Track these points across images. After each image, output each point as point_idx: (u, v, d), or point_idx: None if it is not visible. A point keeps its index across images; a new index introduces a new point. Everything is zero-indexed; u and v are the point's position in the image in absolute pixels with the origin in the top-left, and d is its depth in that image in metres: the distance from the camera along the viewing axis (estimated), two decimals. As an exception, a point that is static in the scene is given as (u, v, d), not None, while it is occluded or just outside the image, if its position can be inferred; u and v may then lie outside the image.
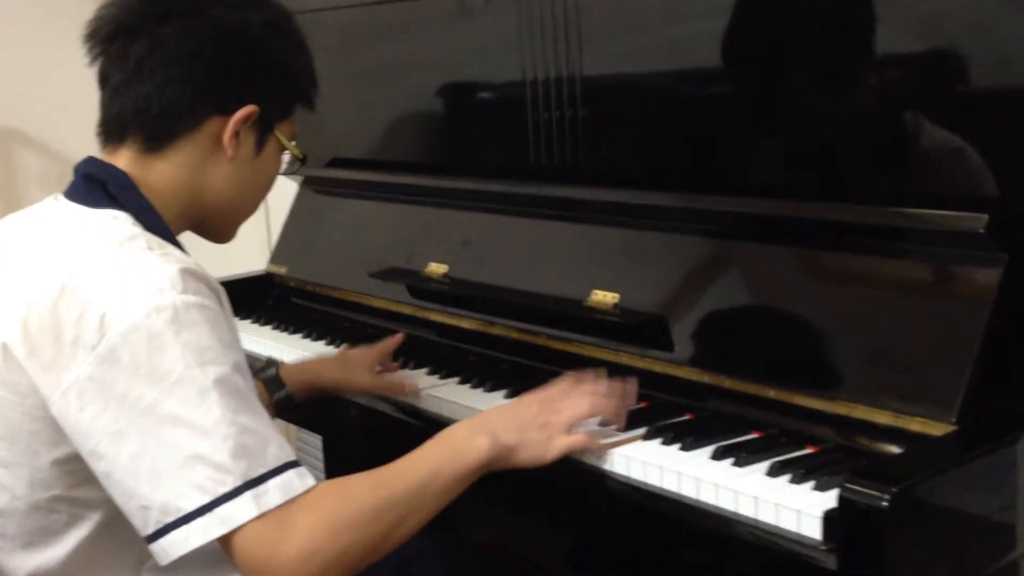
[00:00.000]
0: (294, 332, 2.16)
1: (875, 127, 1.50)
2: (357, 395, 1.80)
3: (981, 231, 1.31)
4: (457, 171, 2.06)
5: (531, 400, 1.43)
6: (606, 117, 1.81)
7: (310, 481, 1.22)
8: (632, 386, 1.52)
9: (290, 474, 1.21)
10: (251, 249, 2.86)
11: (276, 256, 2.40)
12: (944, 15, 1.40)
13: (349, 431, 1.99)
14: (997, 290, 1.30)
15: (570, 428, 1.41)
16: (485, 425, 1.37)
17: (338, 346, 2.03)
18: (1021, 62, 1.34)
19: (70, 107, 3.43)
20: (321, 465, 2.79)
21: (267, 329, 2.20)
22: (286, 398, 1.75)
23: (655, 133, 1.76)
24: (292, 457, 1.23)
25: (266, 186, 1.47)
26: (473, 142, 2.10)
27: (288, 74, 1.42)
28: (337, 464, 2.60)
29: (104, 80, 1.37)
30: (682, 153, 1.72)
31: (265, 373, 1.75)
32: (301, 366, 1.83)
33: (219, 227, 1.46)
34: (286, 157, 1.48)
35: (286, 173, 1.51)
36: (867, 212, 1.44)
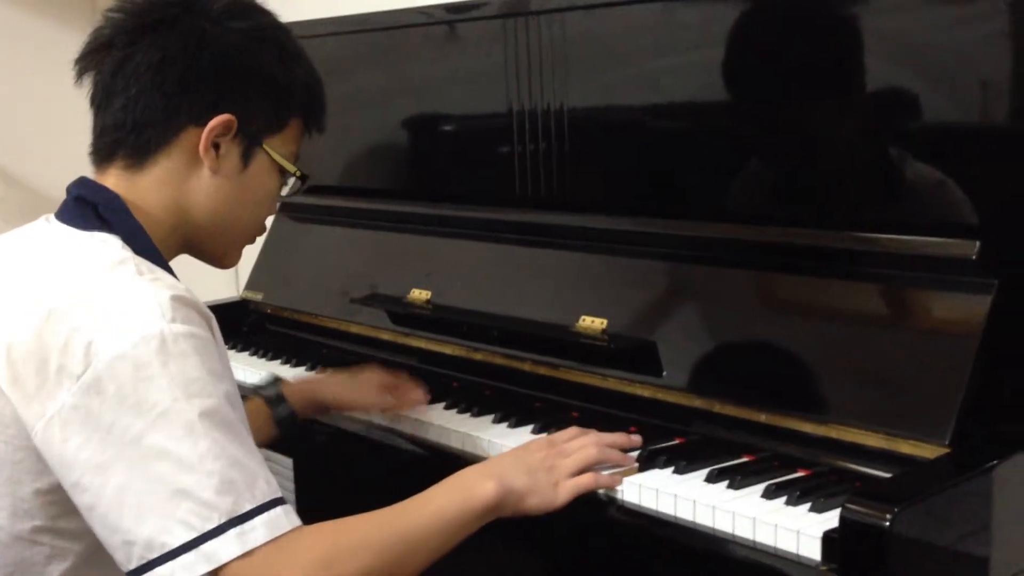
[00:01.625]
0: (272, 359, 2.14)
1: (864, 155, 1.53)
2: (359, 414, 1.77)
3: (973, 257, 1.34)
4: (440, 198, 2.07)
5: (539, 444, 1.43)
6: (593, 145, 1.82)
7: (296, 520, 1.20)
8: (637, 437, 1.51)
9: (277, 511, 1.18)
10: (218, 275, 2.84)
11: (252, 282, 2.39)
12: (929, 45, 1.43)
13: (320, 453, 1.98)
14: (988, 315, 1.33)
15: (577, 473, 1.39)
16: (494, 469, 1.36)
17: (318, 373, 2.02)
18: (1007, 92, 1.37)
19: (38, 135, 3.45)
20: (292, 487, 2.76)
21: (244, 355, 2.18)
22: (288, 416, 1.71)
23: (643, 161, 1.78)
24: (279, 494, 1.20)
25: (259, 204, 1.42)
26: (458, 170, 2.11)
27: (272, 85, 1.37)
28: (308, 487, 2.57)
29: (91, 100, 1.37)
30: (670, 181, 1.74)
31: (267, 390, 1.72)
32: (304, 383, 1.79)
33: (214, 249, 1.43)
34: (291, 181, 1.45)
35: (289, 195, 1.48)
36: (859, 239, 1.46)
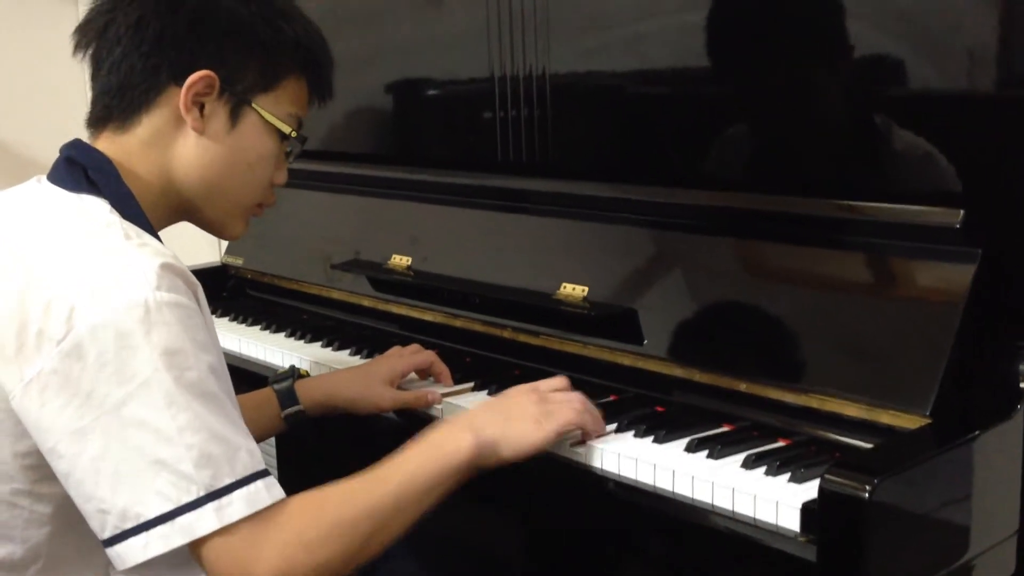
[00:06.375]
0: (252, 324, 2.13)
1: (848, 122, 1.52)
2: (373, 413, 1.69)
3: (956, 226, 1.32)
4: (421, 163, 2.05)
5: (520, 390, 1.41)
6: (575, 110, 1.81)
7: (279, 493, 1.18)
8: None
9: (257, 485, 1.17)
10: (202, 239, 2.82)
11: (232, 247, 2.37)
12: (915, 11, 1.41)
13: (303, 429, 1.96)
14: (971, 285, 1.32)
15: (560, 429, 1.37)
16: (469, 421, 1.34)
17: (298, 338, 2.01)
18: (993, 60, 1.36)
19: (22, 97, 3.41)
20: (275, 463, 2.76)
21: (224, 321, 2.17)
22: (296, 413, 1.66)
23: (625, 127, 1.76)
24: (261, 467, 1.19)
25: (251, 167, 1.39)
26: (440, 134, 2.09)
27: (256, 41, 1.35)
28: (291, 462, 2.57)
29: (90, 69, 1.36)
30: (653, 147, 1.73)
31: (280, 385, 1.67)
32: (319, 381, 1.72)
33: (211, 216, 1.40)
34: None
35: (291, 160, 1.45)
36: (841, 207, 1.45)
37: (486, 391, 1.66)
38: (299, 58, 1.40)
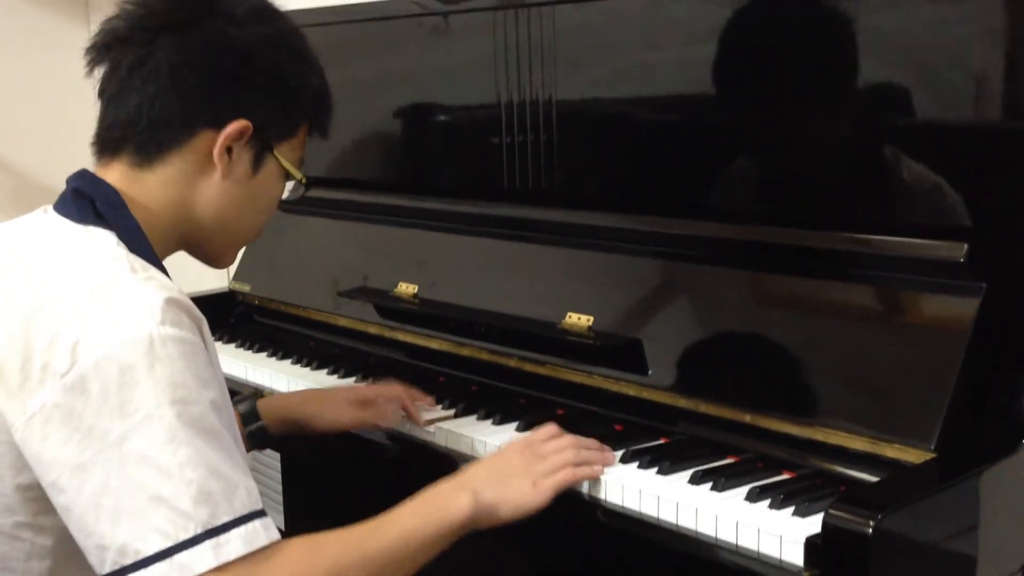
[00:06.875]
0: (259, 351, 2.13)
1: (854, 155, 1.52)
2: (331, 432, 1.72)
3: (960, 260, 1.32)
4: (428, 191, 2.06)
5: (514, 448, 1.41)
6: (581, 140, 1.81)
7: (275, 534, 1.18)
8: (611, 455, 1.48)
9: (255, 524, 1.16)
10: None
11: (240, 273, 2.38)
12: (923, 46, 1.42)
13: (307, 449, 1.97)
14: (975, 319, 1.31)
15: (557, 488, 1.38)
16: (467, 482, 1.34)
17: (304, 365, 2.02)
18: (999, 94, 1.36)
19: (32, 122, 3.44)
20: (279, 483, 2.75)
21: (231, 347, 2.17)
22: (258, 430, 1.68)
23: (631, 157, 1.77)
24: (259, 506, 1.18)
25: (264, 209, 1.41)
26: (446, 163, 2.10)
27: (287, 91, 1.37)
28: (295, 483, 2.56)
29: (100, 92, 1.35)
30: (660, 178, 1.73)
31: (242, 405, 1.69)
32: (280, 399, 1.76)
33: (212, 250, 1.41)
34: (291, 183, 1.44)
35: (290, 199, 1.47)
36: (846, 239, 1.45)
37: (474, 416, 1.68)
38: (315, 106, 1.42)
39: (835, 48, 1.50)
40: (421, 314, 1.94)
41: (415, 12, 2.05)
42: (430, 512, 1.29)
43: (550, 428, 1.46)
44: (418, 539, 1.26)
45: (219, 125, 1.32)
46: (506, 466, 1.38)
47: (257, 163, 1.37)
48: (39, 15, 3.55)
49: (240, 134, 1.33)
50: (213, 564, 1.13)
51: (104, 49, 1.34)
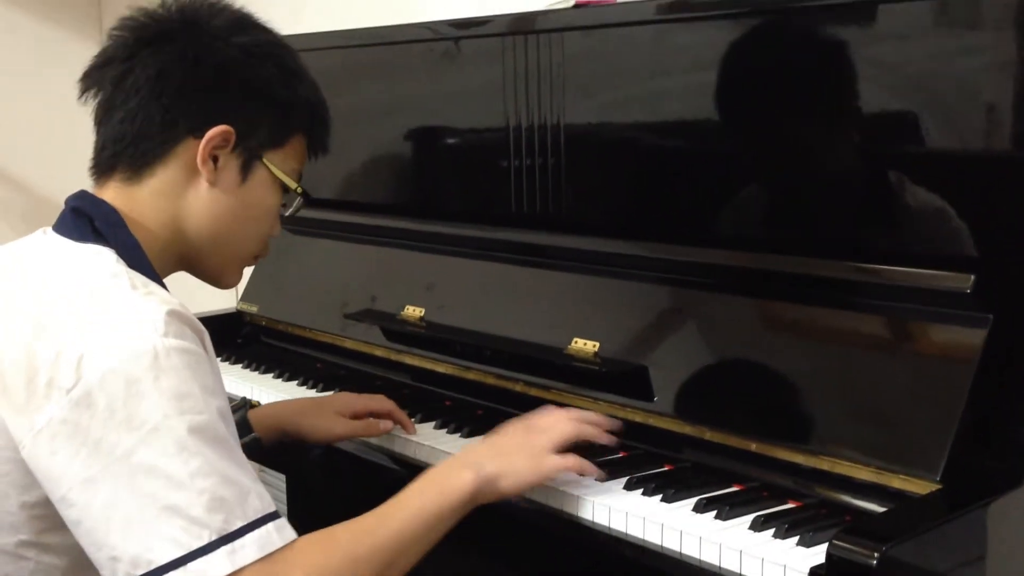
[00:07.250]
0: (265, 372, 2.13)
1: (862, 184, 1.52)
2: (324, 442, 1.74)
3: (967, 291, 1.32)
4: (436, 215, 2.06)
5: (514, 427, 1.43)
6: (589, 166, 1.81)
7: (290, 534, 1.19)
8: (616, 421, 1.52)
9: (268, 527, 1.17)
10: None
11: (247, 294, 2.38)
12: (930, 76, 1.42)
13: (313, 470, 1.97)
14: (982, 350, 1.31)
15: (557, 449, 1.40)
16: (467, 458, 1.37)
17: (311, 387, 2.01)
18: (1007, 124, 1.36)
19: (43, 140, 3.45)
20: (284, 504, 2.75)
21: (237, 368, 2.17)
22: (252, 442, 1.68)
23: (639, 184, 1.77)
24: (272, 508, 1.19)
25: (257, 221, 1.42)
26: (455, 187, 2.10)
27: (271, 100, 1.38)
28: (301, 503, 2.56)
29: (95, 118, 1.37)
30: (667, 205, 1.73)
31: (234, 416, 1.70)
32: (271, 409, 1.78)
33: (212, 267, 1.42)
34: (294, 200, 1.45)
35: (293, 213, 1.47)
36: (853, 269, 1.45)
37: (458, 434, 1.70)
38: (307, 118, 1.44)
39: (843, 77, 1.50)
40: (428, 337, 1.94)
41: (426, 37, 2.06)
42: (434, 491, 1.31)
43: (549, 407, 1.48)
44: (425, 519, 1.28)
45: (200, 133, 1.34)
46: (507, 441, 1.41)
47: (246, 171, 1.38)
48: (53, 34, 3.58)
49: (223, 140, 1.34)
50: (229, 569, 1.14)
51: (93, 74, 1.37)
